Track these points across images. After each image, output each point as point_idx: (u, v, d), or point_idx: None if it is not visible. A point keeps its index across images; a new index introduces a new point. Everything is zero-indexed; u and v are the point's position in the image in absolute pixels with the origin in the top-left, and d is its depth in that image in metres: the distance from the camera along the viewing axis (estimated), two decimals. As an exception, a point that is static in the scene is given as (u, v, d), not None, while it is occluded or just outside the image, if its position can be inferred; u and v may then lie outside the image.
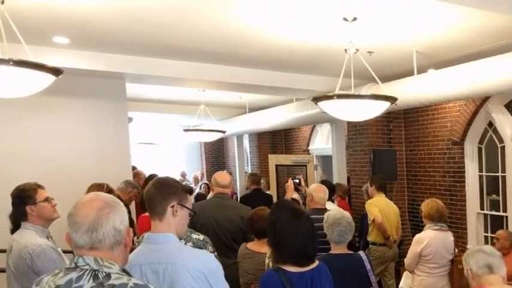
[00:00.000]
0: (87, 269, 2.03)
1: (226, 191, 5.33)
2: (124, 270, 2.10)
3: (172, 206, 2.72)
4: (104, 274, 2.02)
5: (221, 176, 5.38)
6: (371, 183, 7.61)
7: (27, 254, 3.53)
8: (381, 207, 7.21)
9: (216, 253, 3.39)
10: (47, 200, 3.81)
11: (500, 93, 6.70)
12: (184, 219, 2.81)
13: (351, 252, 4.29)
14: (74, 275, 2.03)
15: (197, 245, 3.38)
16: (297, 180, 7.52)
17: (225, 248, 4.86)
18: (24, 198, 3.72)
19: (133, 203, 6.84)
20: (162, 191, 2.76)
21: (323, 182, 7.43)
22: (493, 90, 6.14)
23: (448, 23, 5.27)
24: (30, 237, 3.65)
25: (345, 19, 4.92)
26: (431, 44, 6.07)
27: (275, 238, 3.39)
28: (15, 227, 3.78)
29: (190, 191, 2.91)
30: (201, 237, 3.55)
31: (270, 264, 3.71)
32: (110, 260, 2.06)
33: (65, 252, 4.02)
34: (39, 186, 3.84)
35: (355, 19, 4.92)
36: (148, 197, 2.77)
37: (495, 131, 7.95)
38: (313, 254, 3.38)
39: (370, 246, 7.20)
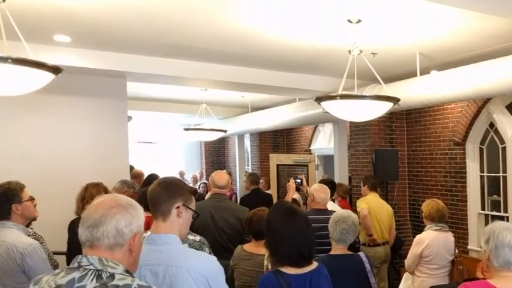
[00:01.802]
0: (90, 269, 2.00)
1: (224, 192, 5.29)
2: (128, 271, 2.07)
3: (178, 207, 2.68)
4: (108, 274, 1.99)
5: (219, 176, 5.32)
6: (364, 183, 7.61)
7: (17, 254, 3.51)
8: (371, 206, 7.18)
9: (212, 254, 3.34)
10: (31, 199, 3.85)
11: (502, 95, 6.69)
12: (188, 221, 2.77)
13: (351, 253, 4.27)
14: (76, 274, 2.00)
15: (193, 246, 3.34)
16: (299, 180, 7.51)
17: (222, 249, 4.81)
18: (10, 197, 3.72)
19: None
20: (168, 190, 2.70)
21: (323, 181, 7.42)
22: (495, 92, 6.14)
23: (451, 26, 5.31)
24: (16, 236, 3.63)
25: (349, 21, 4.97)
26: (434, 46, 6.09)
27: (270, 239, 3.37)
28: None
29: (195, 192, 2.87)
30: (197, 238, 3.52)
31: (269, 266, 3.68)
32: (115, 260, 2.04)
33: (55, 253, 4.02)
34: (23, 185, 3.86)
35: (359, 21, 4.97)
36: (153, 195, 2.72)
37: (496, 131, 7.95)
38: (308, 253, 3.34)
39: (361, 247, 7.13)
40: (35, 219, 3.95)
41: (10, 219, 3.70)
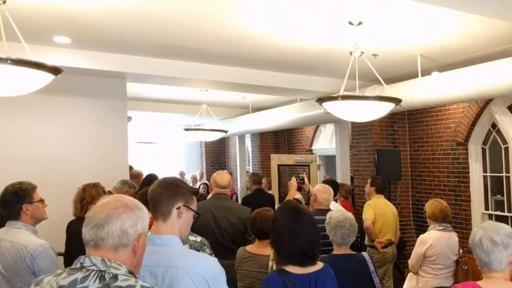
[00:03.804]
0: (93, 270, 1.97)
1: (226, 192, 5.27)
2: (131, 272, 2.05)
3: (178, 208, 2.64)
4: (111, 275, 1.97)
5: (220, 176, 5.30)
6: (371, 184, 7.55)
7: (27, 254, 3.48)
8: (377, 209, 7.17)
9: (213, 255, 3.30)
10: (41, 200, 3.82)
11: (503, 96, 6.69)
12: (189, 221, 2.74)
13: (354, 253, 4.25)
14: (79, 275, 1.97)
15: (194, 247, 3.29)
16: (301, 179, 7.49)
17: (224, 249, 4.80)
18: (21, 196, 3.69)
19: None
20: (169, 191, 2.67)
21: (326, 181, 7.40)
22: (496, 93, 6.17)
23: (451, 28, 5.33)
24: (26, 236, 3.61)
25: (351, 23, 5.00)
26: (435, 48, 6.11)
27: (274, 236, 3.37)
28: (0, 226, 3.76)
29: (196, 192, 2.84)
30: (198, 239, 3.47)
31: (274, 267, 3.66)
32: (118, 261, 2.02)
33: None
34: (35, 186, 3.84)
35: (360, 23, 5.00)
36: (153, 196, 2.69)
37: (499, 132, 7.95)
38: (312, 253, 3.32)
39: (368, 249, 7.13)
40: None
41: (19, 220, 3.67)
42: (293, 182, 6.25)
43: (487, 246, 2.85)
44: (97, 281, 1.95)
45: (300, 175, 7.63)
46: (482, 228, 2.97)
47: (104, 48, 6.19)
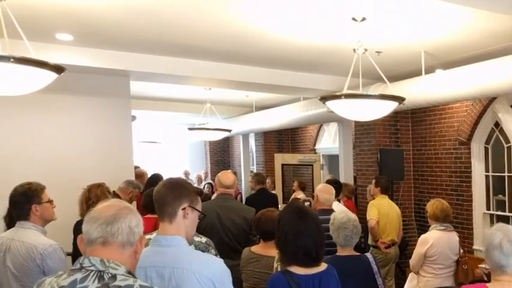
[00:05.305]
0: (92, 270, 2.02)
1: (230, 192, 5.27)
2: (130, 272, 2.09)
3: (184, 209, 2.65)
4: (110, 275, 2.01)
5: (225, 176, 5.31)
6: (376, 185, 7.55)
7: (37, 254, 3.52)
8: (381, 209, 7.19)
9: (218, 255, 3.32)
10: (50, 201, 3.84)
11: (507, 94, 6.66)
12: (195, 222, 2.75)
13: (358, 254, 4.25)
14: (78, 275, 2.02)
15: (199, 248, 3.31)
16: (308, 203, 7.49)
17: (229, 250, 4.81)
18: (30, 197, 3.71)
19: (134, 203, 6.73)
20: (174, 192, 2.68)
21: (329, 181, 7.40)
22: (500, 91, 6.13)
23: (456, 24, 5.30)
24: (36, 237, 3.64)
25: (354, 19, 4.95)
26: (439, 45, 6.08)
27: (278, 236, 3.38)
28: (9, 227, 3.79)
29: (201, 193, 2.85)
30: (204, 239, 3.49)
31: (279, 268, 3.67)
32: (117, 261, 2.05)
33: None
34: (44, 186, 3.85)
35: (363, 19, 4.95)
36: (159, 197, 2.70)
37: (502, 131, 7.93)
38: (315, 254, 3.33)
39: (371, 249, 7.13)
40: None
41: (29, 220, 3.70)
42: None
43: (507, 248, 2.85)
44: (96, 281, 2.00)
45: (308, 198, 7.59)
46: (500, 230, 2.96)
47: (107, 46, 6.17)
